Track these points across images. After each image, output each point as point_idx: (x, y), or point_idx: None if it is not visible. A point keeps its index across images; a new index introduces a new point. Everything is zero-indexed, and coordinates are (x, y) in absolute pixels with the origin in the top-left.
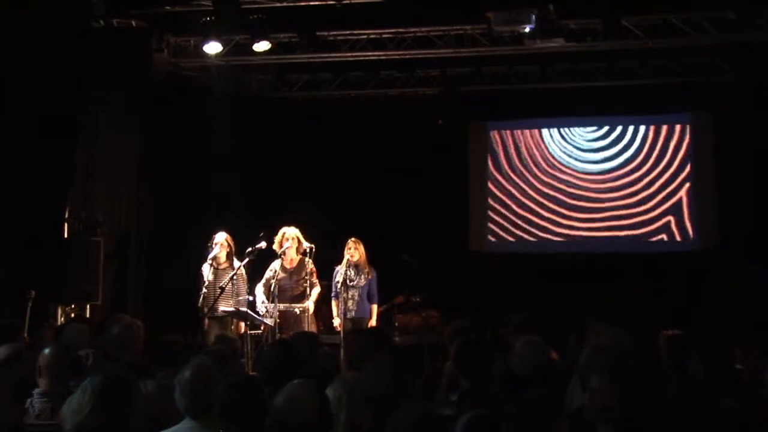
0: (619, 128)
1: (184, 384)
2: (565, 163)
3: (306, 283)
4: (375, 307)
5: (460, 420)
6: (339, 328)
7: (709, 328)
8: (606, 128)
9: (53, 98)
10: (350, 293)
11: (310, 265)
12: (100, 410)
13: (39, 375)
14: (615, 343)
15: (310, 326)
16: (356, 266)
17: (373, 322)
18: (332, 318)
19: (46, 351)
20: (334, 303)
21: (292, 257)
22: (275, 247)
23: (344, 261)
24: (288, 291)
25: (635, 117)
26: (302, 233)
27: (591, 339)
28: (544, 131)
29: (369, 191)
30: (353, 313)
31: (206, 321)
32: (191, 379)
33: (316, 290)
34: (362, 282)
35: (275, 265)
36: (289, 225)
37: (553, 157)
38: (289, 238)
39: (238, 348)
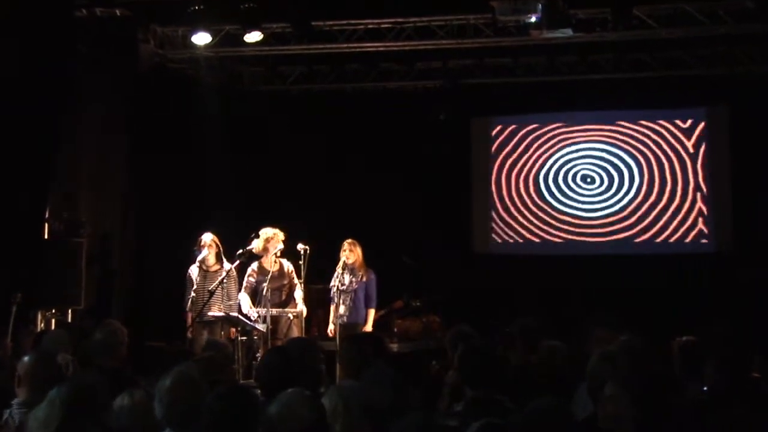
0: (630, 123)
1: (163, 392)
2: (572, 159)
3: (289, 285)
4: (371, 312)
5: (469, 429)
6: (332, 334)
7: (725, 335)
8: (616, 123)
9: (32, 92)
10: (342, 298)
11: (290, 267)
12: (70, 424)
13: (18, 384)
14: (626, 349)
15: (302, 331)
16: (351, 269)
17: (367, 328)
18: (328, 323)
19: (26, 359)
20: (332, 308)
21: (272, 261)
22: (258, 245)
23: (340, 264)
24: (275, 295)
25: (646, 111)
26: (297, 234)
27: (594, 345)
28: (551, 126)
29: (367, 189)
30: (345, 318)
31: (194, 326)
32: (171, 387)
33: (299, 292)
34: (354, 286)
35: (255, 267)
36: (281, 225)
37: (560, 153)
38: (280, 241)
39: (230, 354)
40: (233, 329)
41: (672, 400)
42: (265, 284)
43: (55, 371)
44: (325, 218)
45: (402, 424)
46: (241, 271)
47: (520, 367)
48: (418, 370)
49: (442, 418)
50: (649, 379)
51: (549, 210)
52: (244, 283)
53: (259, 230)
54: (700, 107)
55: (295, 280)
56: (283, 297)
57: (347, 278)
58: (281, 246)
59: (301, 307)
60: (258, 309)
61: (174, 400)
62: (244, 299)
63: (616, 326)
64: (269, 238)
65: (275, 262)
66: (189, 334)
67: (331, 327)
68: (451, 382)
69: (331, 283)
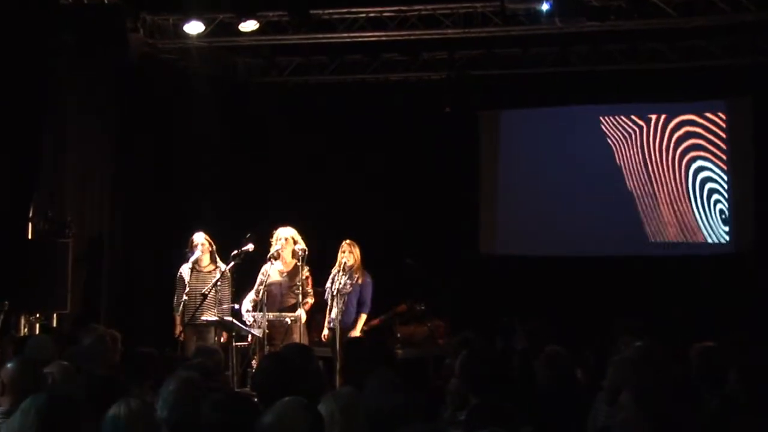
0: (646, 117)
1: (168, 394)
2: (584, 155)
3: (298, 290)
4: (363, 317)
5: None
6: (325, 339)
7: (747, 340)
8: (631, 117)
9: (15, 85)
10: (336, 301)
11: (305, 272)
12: None
13: (1, 393)
14: (642, 355)
15: (302, 338)
16: (348, 271)
17: (356, 333)
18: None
19: (9, 366)
20: (328, 312)
21: (286, 260)
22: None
23: (337, 265)
24: (277, 298)
25: (664, 105)
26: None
27: (621, 352)
28: (562, 120)
29: (368, 187)
30: (337, 322)
31: (185, 331)
32: (176, 389)
33: (309, 301)
34: (349, 288)
35: (266, 268)
36: (278, 225)
37: (572, 149)
38: (281, 239)
39: (221, 361)
40: (225, 334)
41: (689, 409)
42: (261, 286)
43: (41, 379)
44: (324, 217)
45: None
46: (237, 273)
47: (524, 373)
48: (422, 377)
49: (446, 426)
50: (666, 386)
51: (561, 208)
52: (257, 283)
53: (253, 230)
54: (721, 99)
55: (309, 288)
56: (286, 303)
57: (343, 280)
58: (278, 246)
59: (300, 313)
60: (254, 313)
61: (178, 402)
62: (246, 303)
63: (644, 333)
64: (274, 242)
65: (289, 263)
66: (180, 338)
67: (325, 332)
68: (454, 389)
69: (327, 285)
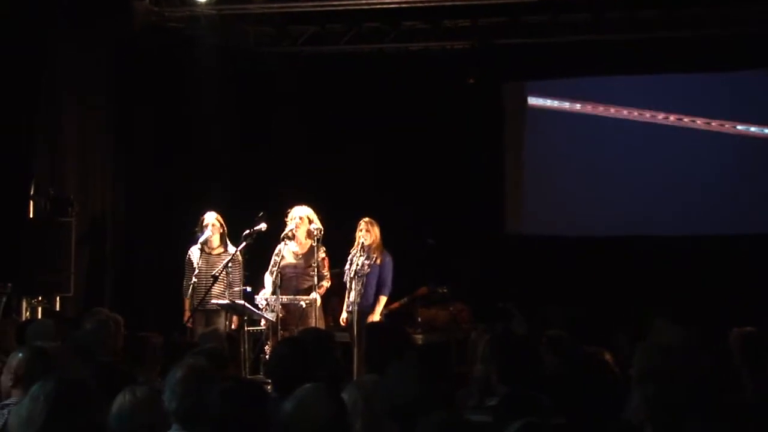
0: (686, 88)
1: (175, 383)
2: (617, 128)
3: (314, 272)
4: (382, 299)
5: (508, 429)
6: (344, 323)
7: None
8: (670, 88)
9: (11, 55)
10: (354, 283)
11: (321, 253)
12: (57, 421)
13: (12, 384)
14: (671, 341)
15: (318, 321)
16: (368, 251)
17: (375, 317)
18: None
19: (20, 355)
20: (347, 294)
21: (301, 241)
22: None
23: (355, 245)
24: (292, 280)
25: (703, 74)
26: None
27: (654, 338)
28: (594, 91)
29: (386, 163)
30: (356, 305)
31: (194, 315)
32: (184, 378)
33: (325, 284)
34: (367, 269)
35: (281, 247)
36: (293, 203)
37: (604, 122)
38: (295, 218)
39: (226, 347)
40: (236, 319)
41: (728, 399)
42: (275, 268)
43: (52, 369)
44: (339, 195)
45: (429, 422)
46: (249, 254)
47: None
48: (444, 363)
49: (473, 413)
50: (693, 374)
51: (592, 185)
52: (271, 263)
53: (264, 210)
54: (764, 69)
55: (325, 271)
56: (301, 285)
57: (361, 261)
58: (292, 225)
59: (314, 296)
60: (267, 296)
61: (185, 391)
62: (268, 284)
63: (682, 319)
64: (285, 218)
65: (304, 243)
66: (188, 324)
67: (344, 315)
68: (481, 376)
69: (345, 267)
